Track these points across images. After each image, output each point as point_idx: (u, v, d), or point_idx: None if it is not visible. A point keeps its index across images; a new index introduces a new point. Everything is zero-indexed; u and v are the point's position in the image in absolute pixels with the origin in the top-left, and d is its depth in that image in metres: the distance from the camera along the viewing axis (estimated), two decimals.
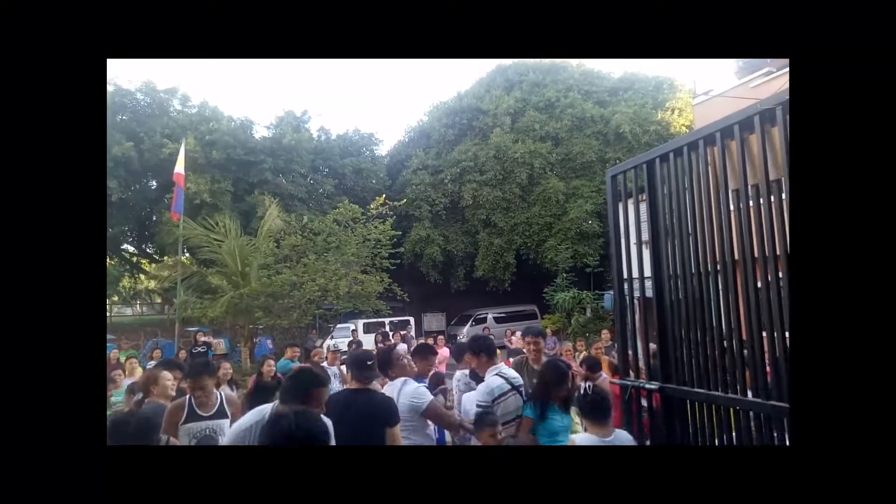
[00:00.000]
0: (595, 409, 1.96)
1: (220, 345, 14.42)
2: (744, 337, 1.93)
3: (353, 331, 13.69)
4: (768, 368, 1.81)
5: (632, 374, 2.58)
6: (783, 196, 1.76)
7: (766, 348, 1.82)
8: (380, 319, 15.26)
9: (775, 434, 1.79)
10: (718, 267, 1.99)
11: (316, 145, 19.19)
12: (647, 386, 2.37)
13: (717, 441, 2.01)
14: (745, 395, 1.89)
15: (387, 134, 56.46)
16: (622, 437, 1.97)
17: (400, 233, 15.22)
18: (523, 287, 19.21)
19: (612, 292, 2.48)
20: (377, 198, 14.37)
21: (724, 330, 1.99)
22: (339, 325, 14.58)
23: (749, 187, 1.87)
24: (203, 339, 9.57)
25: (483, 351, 3.00)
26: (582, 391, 2.09)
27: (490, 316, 18.58)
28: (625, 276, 2.64)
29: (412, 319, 17.21)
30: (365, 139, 21.26)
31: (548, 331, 9.08)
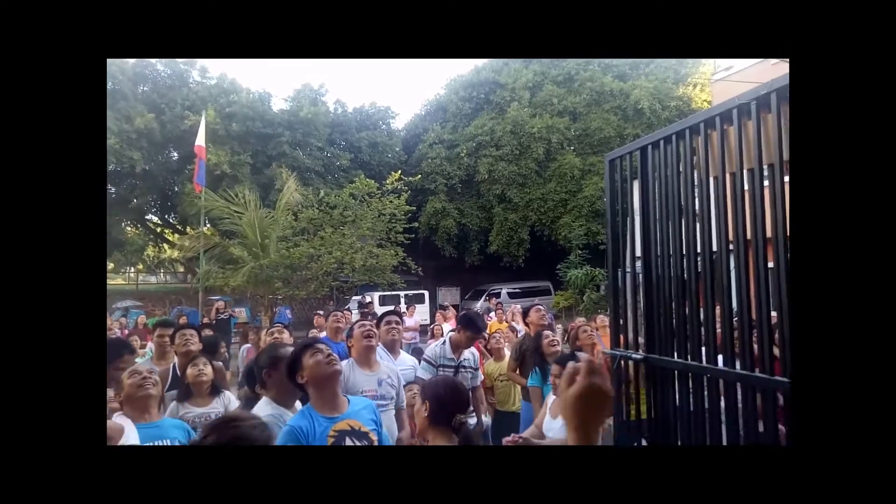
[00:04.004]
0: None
1: (242, 313, 14.98)
2: (719, 312, 2.11)
3: (368, 303, 14.06)
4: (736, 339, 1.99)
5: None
6: (763, 184, 1.91)
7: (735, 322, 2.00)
8: (395, 293, 15.60)
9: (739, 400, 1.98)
10: (699, 249, 2.16)
11: (332, 119, 19.33)
12: (633, 356, 2.58)
13: (691, 407, 2.21)
14: (714, 364, 2.08)
15: (403, 107, 56.22)
16: None
17: (414, 208, 15.41)
18: (537, 263, 19.36)
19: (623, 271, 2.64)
20: (392, 173, 14.52)
21: (708, 306, 2.16)
22: (354, 298, 14.97)
23: (728, 175, 2.02)
24: (222, 308, 9.91)
25: (467, 327, 3.30)
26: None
27: (504, 291, 18.82)
28: (621, 255, 2.81)
29: (427, 293, 17.54)
30: (381, 113, 21.30)
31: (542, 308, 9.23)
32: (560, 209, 18.52)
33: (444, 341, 3.58)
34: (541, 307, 3.91)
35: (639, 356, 2.52)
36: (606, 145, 18.27)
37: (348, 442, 1.88)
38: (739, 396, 1.95)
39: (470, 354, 3.51)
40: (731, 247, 1.99)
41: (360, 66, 71.04)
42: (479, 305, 17.38)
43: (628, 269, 2.71)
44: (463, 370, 3.41)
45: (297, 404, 2.16)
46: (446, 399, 1.74)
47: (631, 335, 2.77)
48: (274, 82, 75.39)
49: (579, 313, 13.15)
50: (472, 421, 2.85)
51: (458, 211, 19.35)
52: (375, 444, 1.94)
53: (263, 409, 2.03)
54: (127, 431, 1.99)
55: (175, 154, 18.08)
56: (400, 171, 14.75)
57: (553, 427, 2.67)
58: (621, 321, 2.76)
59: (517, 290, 18.62)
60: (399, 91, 69.76)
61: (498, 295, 18.46)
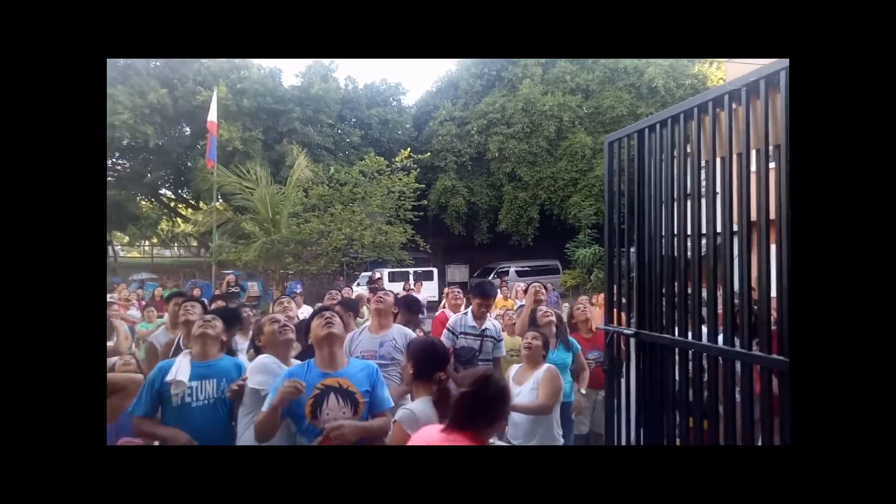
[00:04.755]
0: None
1: (254, 287, 15.29)
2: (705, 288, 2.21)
3: (378, 279, 14.28)
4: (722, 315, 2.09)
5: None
6: (750, 170, 1.97)
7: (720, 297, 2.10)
8: (404, 269, 15.79)
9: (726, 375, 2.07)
10: (689, 231, 2.24)
11: (343, 95, 19.24)
12: (624, 331, 2.69)
13: (676, 381, 2.33)
14: (700, 339, 2.19)
15: (414, 84, 55.58)
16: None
17: (424, 185, 15.46)
18: (546, 242, 19.40)
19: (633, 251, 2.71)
20: (402, 151, 14.55)
21: (695, 283, 2.25)
22: (363, 274, 15.19)
23: (718, 160, 2.09)
24: (233, 282, 10.12)
25: (476, 294, 3.60)
26: None
27: (512, 269, 18.92)
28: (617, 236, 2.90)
29: (435, 270, 17.71)
30: (392, 89, 21.15)
31: (549, 285, 9.30)
32: (570, 188, 18.43)
33: (466, 311, 3.73)
34: (537, 284, 4.03)
35: (630, 331, 2.64)
36: (619, 124, 18.01)
37: (332, 398, 2.05)
38: (731, 375, 2.05)
39: (492, 325, 3.63)
40: (720, 230, 2.08)
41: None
42: None
43: (623, 249, 2.81)
44: (485, 339, 3.53)
45: (293, 360, 2.43)
46: (427, 358, 2.00)
47: (625, 312, 2.89)
48: (283, 60, 74.69)
49: (586, 292, 13.25)
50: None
51: (467, 189, 19.34)
52: (361, 404, 2.07)
53: (263, 358, 2.31)
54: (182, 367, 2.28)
55: (187, 129, 18.19)
56: (409, 149, 14.77)
57: (521, 391, 2.83)
58: (615, 298, 2.87)
59: (526, 269, 18.71)
60: (410, 68, 68.93)
61: (506, 273, 18.56)
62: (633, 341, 2.68)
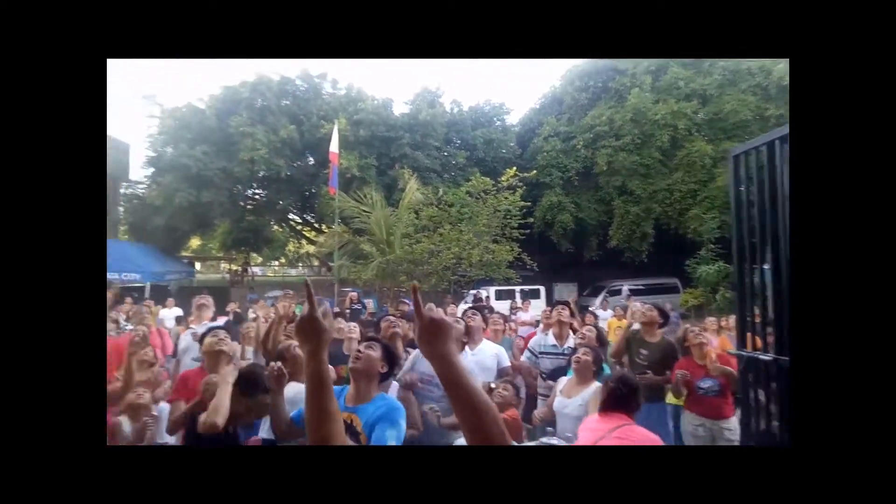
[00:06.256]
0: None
1: (370, 304, 16.29)
2: None
3: (485, 297, 14.43)
4: None
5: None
6: None
7: None
8: (510, 287, 15.79)
9: None
10: None
11: (449, 118, 20.00)
12: (761, 357, 2.51)
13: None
14: None
15: (518, 103, 56.03)
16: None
17: (530, 203, 15.43)
18: (662, 258, 18.18)
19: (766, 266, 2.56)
20: (508, 170, 14.70)
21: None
22: (470, 292, 15.46)
23: None
24: (355, 299, 10.94)
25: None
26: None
27: (625, 287, 17.99)
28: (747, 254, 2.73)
29: (542, 288, 17.46)
30: (496, 109, 21.55)
31: (667, 305, 8.61)
32: (688, 200, 17.20)
33: (547, 332, 3.72)
34: (642, 305, 3.93)
35: (768, 357, 2.45)
36: (744, 129, 16.51)
37: None
38: None
39: (573, 342, 3.62)
40: None
41: (474, 66, 71.84)
42: (598, 302, 16.87)
43: (756, 266, 2.62)
44: (563, 357, 3.52)
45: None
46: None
47: (759, 336, 2.69)
48: (395, 87, 79.48)
49: (711, 313, 12.18)
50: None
51: (574, 204, 18.90)
52: (363, 443, 1.92)
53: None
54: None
55: (311, 159, 20.07)
56: (515, 168, 14.89)
57: (569, 405, 2.80)
58: (748, 320, 2.68)
59: (640, 287, 17.66)
60: (514, 87, 69.49)
61: (619, 292, 17.71)
62: (770, 367, 2.48)
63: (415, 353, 2.99)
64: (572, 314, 4.00)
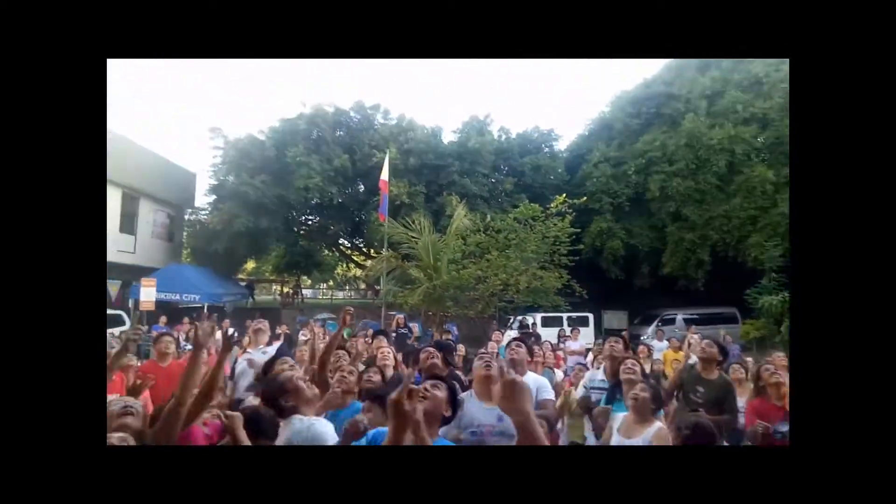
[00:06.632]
0: None
1: (415, 328, 16.39)
2: None
3: (532, 324, 14.20)
4: None
5: None
6: None
7: None
8: (557, 314, 15.47)
9: None
10: None
11: (497, 146, 20.19)
12: None
13: None
14: None
15: (566, 129, 55.97)
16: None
17: (579, 229, 15.21)
18: (720, 287, 17.32)
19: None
20: (557, 196, 14.60)
21: None
22: (516, 318, 15.25)
23: None
24: (402, 323, 11.01)
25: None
26: None
27: (679, 317, 17.24)
28: None
29: (591, 316, 16.99)
30: (544, 136, 21.59)
31: (727, 337, 8.13)
32: (748, 227, 16.41)
33: (600, 366, 3.59)
34: (699, 339, 3.74)
35: None
36: None
37: None
38: None
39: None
40: None
41: (523, 93, 72.60)
42: (650, 332, 16.21)
43: None
44: (610, 391, 3.39)
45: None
46: None
47: None
48: (445, 116, 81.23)
49: (775, 346, 11.43)
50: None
51: (625, 231, 18.45)
52: None
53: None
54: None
55: (362, 186, 20.69)
56: (565, 195, 14.76)
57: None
58: None
59: (695, 317, 16.84)
60: (562, 114, 69.56)
61: (672, 321, 16.97)
62: None
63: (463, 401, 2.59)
64: (626, 347, 3.85)
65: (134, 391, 2.84)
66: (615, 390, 3.31)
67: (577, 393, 3.62)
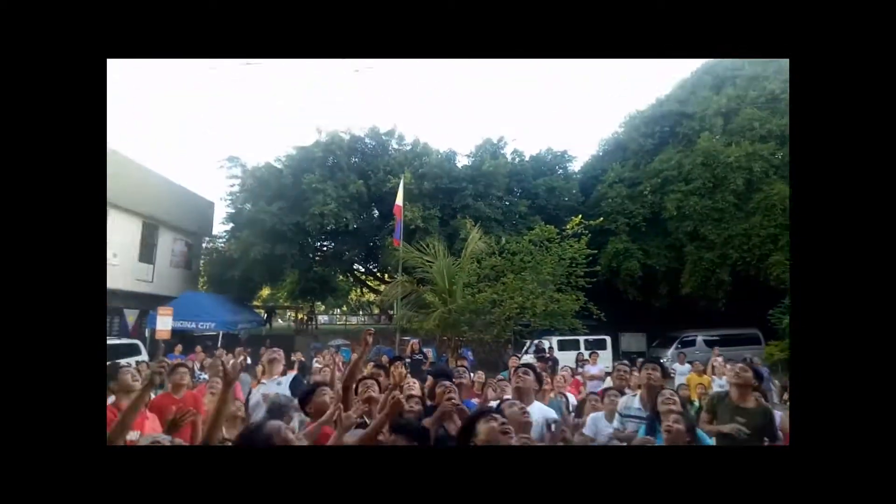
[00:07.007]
0: None
1: (429, 354, 16.20)
2: None
3: (548, 347, 13.93)
4: None
5: None
6: None
7: None
8: (574, 337, 15.18)
9: None
10: None
11: (511, 168, 20.23)
12: None
13: None
14: None
15: (580, 150, 56.26)
16: None
17: (596, 251, 15.01)
18: (741, 307, 16.88)
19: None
20: (573, 218, 14.48)
21: None
22: (533, 342, 14.99)
23: None
24: (416, 348, 10.89)
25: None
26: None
27: (700, 338, 16.82)
28: None
29: (608, 339, 16.65)
30: (557, 158, 21.61)
31: (755, 359, 7.83)
32: (769, 245, 16.05)
33: (636, 394, 3.44)
34: (735, 365, 3.56)
35: None
36: None
37: None
38: None
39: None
40: None
41: (536, 114, 73.18)
42: (669, 354, 15.79)
43: None
44: (649, 422, 3.20)
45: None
46: None
47: None
48: (458, 140, 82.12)
49: None
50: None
51: (642, 251, 18.19)
52: None
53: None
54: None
55: (377, 212, 20.81)
56: (581, 216, 14.64)
57: None
58: None
59: (716, 338, 16.41)
60: (575, 135, 69.90)
61: (692, 342, 16.54)
62: None
63: None
64: (665, 375, 3.67)
65: (174, 426, 2.73)
66: (655, 422, 3.14)
67: (616, 423, 3.45)
